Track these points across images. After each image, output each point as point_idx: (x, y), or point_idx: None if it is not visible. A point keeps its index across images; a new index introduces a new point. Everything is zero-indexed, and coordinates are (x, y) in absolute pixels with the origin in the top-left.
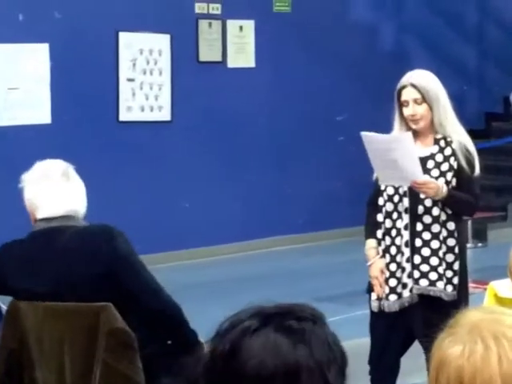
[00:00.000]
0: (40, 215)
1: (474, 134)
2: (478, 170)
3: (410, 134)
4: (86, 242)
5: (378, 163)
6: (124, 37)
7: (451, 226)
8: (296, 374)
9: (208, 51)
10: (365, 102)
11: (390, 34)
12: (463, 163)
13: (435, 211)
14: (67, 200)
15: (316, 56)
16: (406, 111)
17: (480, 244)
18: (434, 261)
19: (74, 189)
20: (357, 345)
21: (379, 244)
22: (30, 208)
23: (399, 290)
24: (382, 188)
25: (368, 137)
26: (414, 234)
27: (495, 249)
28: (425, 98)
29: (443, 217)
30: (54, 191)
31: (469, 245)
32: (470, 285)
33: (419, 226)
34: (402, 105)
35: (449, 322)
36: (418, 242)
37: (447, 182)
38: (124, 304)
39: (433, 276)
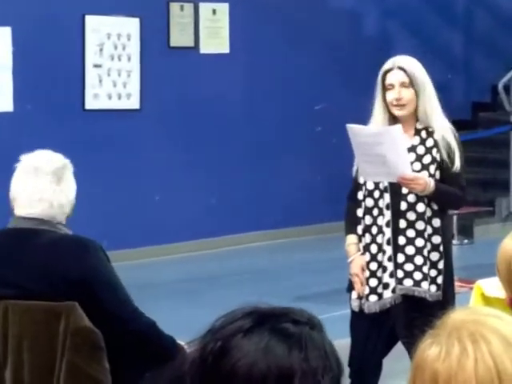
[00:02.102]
0: (18, 212)
1: (460, 124)
2: (458, 166)
3: (399, 126)
4: (57, 257)
5: (364, 158)
6: (91, 20)
7: (437, 222)
8: (289, 378)
9: (179, 36)
10: (345, 90)
11: (373, 18)
12: (445, 156)
13: (420, 207)
14: (50, 203)
15: (294, 41)
16: (391, 95)
17: (466, 241)
18: (419, 260)
19: (60, 193)
20: (337, 346)
21: (359, 241)
22: (11, 198)
23: (380, 290)
24: (361, 182)
25: (354, 129)
26: (397, 232)
27: (482, 246)
28: (412, 82)
29: (428, 213)
30: (38, 191)
31: (454, 242)
32: (456, 283)
33: (402, 223)
34: (386, 89)
35: (434, 323)
36: (402, 240)
37: (430, 176)
38: (98, 324)
39: (417, 276)
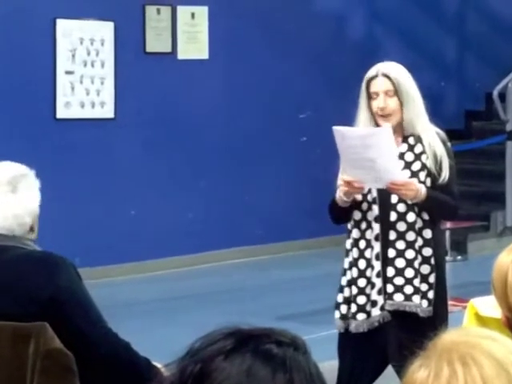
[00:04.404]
0: None
1: (452, 134)
2: (447, 174)
3: (389, 126)
4: (25, 275)
5: (351, 163)
6: (62, 24)
7: (427, 233)
8: None
9: (156, 41)
10: (331, 97)
11: (360, 22)
12: (433, 165)
13: (410, 217)
14: (3, 215)
15: (277, 47)
16: (376, 104)
17: (459, 257)
18: (409, 273)
19: (16, 202)
20: (323, 368)
21: (347, 255)
22: None
23: (368, 308)
24: None
25: (340, 132)
26: (387, 244)
27: (476, 262)
28: (397, 91)
29: (419, 224)
30: None
31: (447, 258)
32: (449, 302)
33: (392, 235)
34: (370, 97)
35: (425, 345)
36: (392, 253)
37: (421, 183)
38: (69, 346)
39: (408, 290)
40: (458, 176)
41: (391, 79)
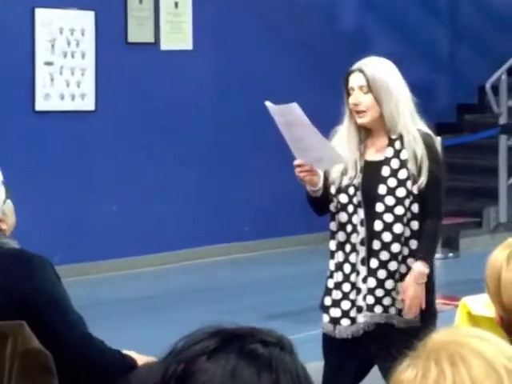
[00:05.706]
0: None
1: (444, 128)
2: (423, 183)
3: (295, 104)
4: (0, 272)
5: (290, 142)
6: (41, 14)
7: (413, 244)
8: None
9: (138, 31)
10: (320, 88)
11: (351, 11)
12: (414, 168)
13: (397, 228)
14: None
15: (264, 37)
16: (350, 99)
17: (451, 254)
18: (389, 284)
19: None
20: (309, 370)
21: (332, 257)
22: None
23: (353, 314)
24: (333, 192)
25: (271, 108)
26: (370, 253)
27: (468, 259)
28: (370, 87)
29: (407, 233)
30: None
31: (438, 255)
32: (439, 301)
33: (376, 245)
34: (348, 93)
35: (414, 345)
36: (374, 263)
37: (408, 192)
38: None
39: (386, 301)
40: (449, 171)
41: (365, 74)
